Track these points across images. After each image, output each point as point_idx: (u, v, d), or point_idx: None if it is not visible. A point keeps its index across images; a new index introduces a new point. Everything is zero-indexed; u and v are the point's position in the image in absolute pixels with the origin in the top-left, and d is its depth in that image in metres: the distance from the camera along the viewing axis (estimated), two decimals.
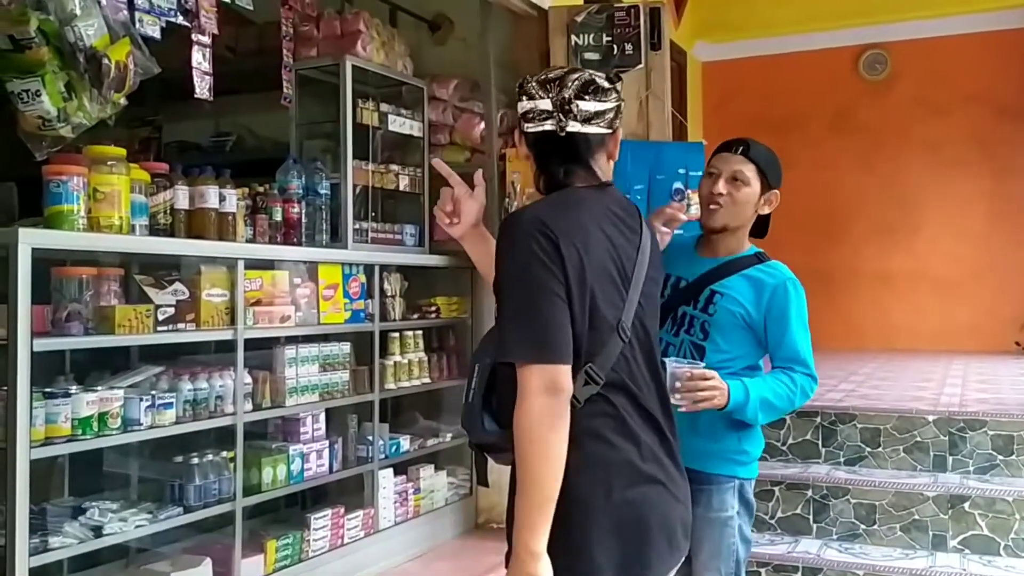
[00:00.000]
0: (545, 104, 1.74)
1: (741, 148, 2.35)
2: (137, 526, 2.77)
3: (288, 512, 3.73)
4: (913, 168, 7.56)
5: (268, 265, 3.41)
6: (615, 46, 4.18)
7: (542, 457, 1.53)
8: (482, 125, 4.30)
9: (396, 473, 3.98)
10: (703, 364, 2.19)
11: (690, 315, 2.35)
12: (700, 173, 4.15)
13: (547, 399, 1.54)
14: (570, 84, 1.73)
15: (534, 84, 1.76)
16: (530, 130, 1.78)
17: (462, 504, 4.41)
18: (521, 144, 1.84)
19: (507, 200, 4.11)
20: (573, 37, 4.17)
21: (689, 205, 4.14)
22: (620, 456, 1.66)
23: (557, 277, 1.60)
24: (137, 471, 3.17)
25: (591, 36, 4.18)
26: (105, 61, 2.59)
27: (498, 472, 4.36)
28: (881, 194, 7.64)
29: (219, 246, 3.10)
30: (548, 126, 1.74)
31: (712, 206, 2.34)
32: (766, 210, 2.40)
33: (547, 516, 1.54)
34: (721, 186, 2.33)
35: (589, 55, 4.19)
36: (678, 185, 4.16)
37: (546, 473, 1.53)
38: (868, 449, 4.14)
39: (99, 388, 2.68)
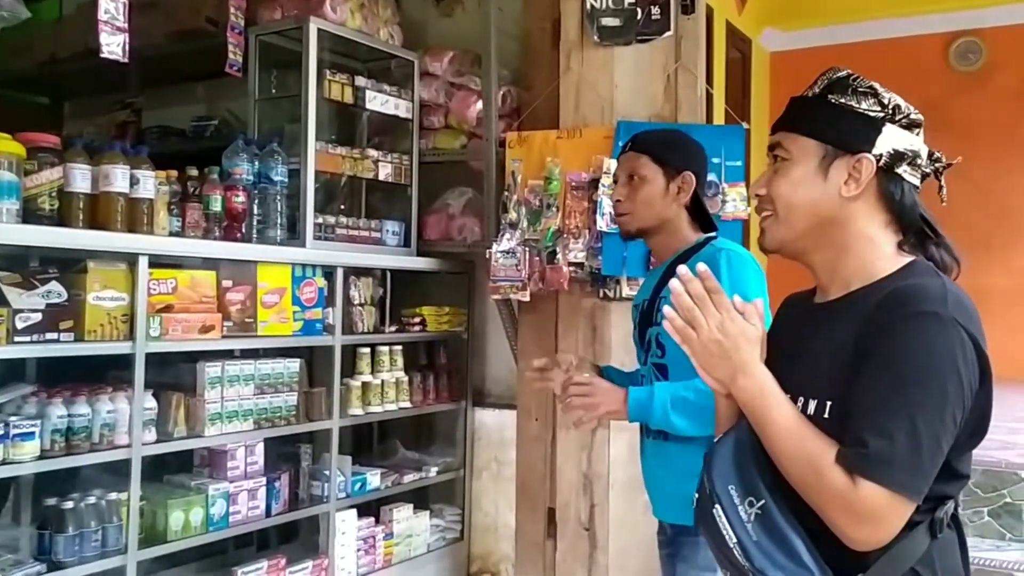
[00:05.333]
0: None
1: (630, 144, 2.13)
2: None
3: (212, 562, 3.10)
4: (1013, 172, 6.63)
5: (197, 264, 2.82)
6: (638, 10, 3.46)
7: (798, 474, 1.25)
8: (479, 104, 3.63)
9: (362, 515, 3.34)
10: None
11: (651, 335, 2.05)
12: (739, 163, 3.46)
13: (883, 532, 1.21)
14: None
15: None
16: (911, 179, 1.36)
17: (450, 551, 3.74)
18: (872, 197, 1.36)
19: (506, 194, 3.44)
20: (588, 0, 3.47)
21: (724, 202, 3.40)
22: None
23: (963, 405, 1.23)
24: None
25: None
26: None
27: (493, 514, 3.68)
28: (974, 202, 6.70)
29: (107, 237, 2.50)
30: (916, 178, 1.37)
31: (617, 215, 2.12)
32: (684, 197, 2.04)
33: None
34: (619, 190, 2.10)
35: (607, 20, 3.48)
36: (711, 177, 3.41)
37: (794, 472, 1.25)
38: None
39: None
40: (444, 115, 3.78)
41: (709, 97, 3.60)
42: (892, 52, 7.13)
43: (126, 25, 2.68)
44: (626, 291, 3.38)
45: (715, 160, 3.42)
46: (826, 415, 1.27)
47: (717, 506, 1.32)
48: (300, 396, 3.07)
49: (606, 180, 3.35)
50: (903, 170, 1.35)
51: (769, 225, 1.42)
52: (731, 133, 3.50)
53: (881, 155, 1.33)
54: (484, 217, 3.57)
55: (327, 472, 3.17)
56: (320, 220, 3.25)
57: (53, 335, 2.35)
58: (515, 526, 3.60)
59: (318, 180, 3.47)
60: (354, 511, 3.28)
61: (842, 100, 1.34)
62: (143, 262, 2.55)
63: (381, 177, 3.55)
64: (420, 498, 3.69)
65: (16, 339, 2.27)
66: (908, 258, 1.35)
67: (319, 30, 3.22)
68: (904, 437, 1.18)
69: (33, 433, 2.30)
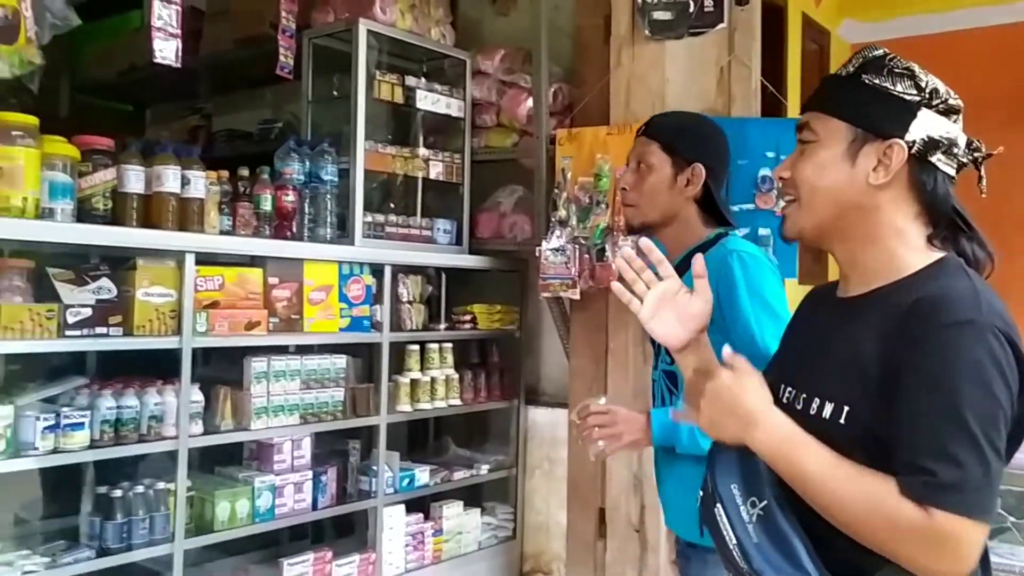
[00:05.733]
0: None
1: (643, 128, 2.01)
2: (26, 572, 2.29)
3: (262, 555, 3.17)
4: None
5: (245, 262, 2.90)
6: (691, 3, 3.39)
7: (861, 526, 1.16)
8: (529, 102, 3.62)
9: (411, 511, 3.37)
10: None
11: None
12: None
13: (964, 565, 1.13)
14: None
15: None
16: (945, 169, 1.28)
17: (502, 549, 3.74)
18: (902, 186, 1.28)
19: (556, 191, 3.42)
20: None
21: (778, 197, 3.31)
22: None
23: (1011, 407, 1.16)
24: (41, 507, 2.70)
25: None
26: None
27: (545, 513, 3.66)
28: None
29: (152, 235, 2.58)
30: (952, 168, 1.29)
31: (623, 204, 2.02)
32: (692, 190, 1.91)
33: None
34: (626, 177, 1.99)
35: (659, 14, 3.43)
36: (765, 172, 3.32)
37: (849, 513, 1.17)
38: (1012, 519, 3.14)
39: None
40: (496, 113, 3.78)
41: (765, 89, 3.49)
42: (982, 41, 6.78)
43: (179, 31, 2.76)
44: None
45: (769, 154, 3.34)
46: (842, 420, 1.21)
47: (718, 505, 1.29)
48: (347, 392, 3.12)
49: None
50: (937, 159, 1.26)
51: (791, 211, 1.35)
52: (786, 126, 3.39)
53: (914, 141, 1.25)
54: (534, 215, 3.55)
55: (375, 468, 3.21)
56: (369, 219, 3.29)
57: (103, 329, 2.44)
58: (566, 526, 3.58)
59: (374, 180, 3.53)
60: (402, 507, 3.31)
61: (876, 81, 1.27)
62: (190, 260, 2.62)
63: (432, 176, 3.57)
64: (473, 496, 3.70)
65: (67, 333, 2.36)
66: (937, 254, 1.26)
67: (368, 31, 3.26)
68: (972, 460, 1.11)
69: (83, 423, 2.39)
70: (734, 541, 1.26)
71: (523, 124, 3.69)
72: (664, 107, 3.38)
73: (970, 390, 1.12)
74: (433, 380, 3.44)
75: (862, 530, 1.16)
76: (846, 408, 1.21)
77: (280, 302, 2.91)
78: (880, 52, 1.29)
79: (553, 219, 3.38)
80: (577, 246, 3.34)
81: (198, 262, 2.66)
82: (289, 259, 2.97)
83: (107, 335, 2.46)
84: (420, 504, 3.47)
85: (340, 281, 3.09)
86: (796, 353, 1.39)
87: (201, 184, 2.81)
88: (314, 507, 3.02)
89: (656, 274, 1.42)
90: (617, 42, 3.46)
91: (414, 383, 3.38)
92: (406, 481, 3.34)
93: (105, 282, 2.49)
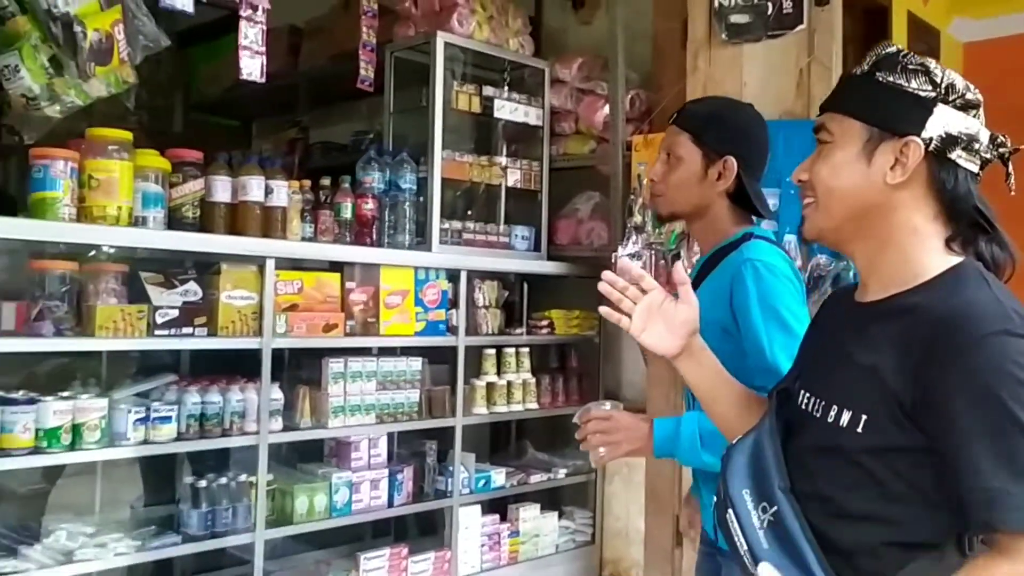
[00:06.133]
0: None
1: (675, 117, 1.96)
2: (118, 554, 2.46)
3: (344, 549, 3.29)
4: None
5: (325, 267, 3.03)
6: (769, 5, 3.35)
7: None
8: (606, 109, 3.65)
9: (488, 512, 3.44)
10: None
11: None
12: None
13: None
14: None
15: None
16: (967, 165, 1.25)
17: (580, 553, 3.76)
18: (920, 185, 1.26)
19: (631, 197, 3.43)
20: None
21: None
22: None
23: None
24: (130, 494, 2.89)
25: None
26: (78, 29, 2.31)
27: (624, 519, 3.67)
28: None
29: (234, 241, 2.74)
30: (975, 164, 1.26)
31: (651, 195, 1.97)
32: (723, 184, 1.83)
33: None
34: (656, 168, 1.91)
35: (736, 18, 3.39)
36: None
37: None
38: None
39: (79, 396, 2.41)
40: (574, 121, 3.82)
41: None
42: None
43: (263, 49, 2.91)
44: None
45: None
46: (859, 430, 1.19)
47: (730, 510, 1.29)
48: (422, 394, 3.21)
49: None
50: (957, 155, 1.23)
51: (809, 213, 1.33)
52: None
53: (931, 139, 1.22)
54: (611, 221, 3.57)
55: (451, 468, 3.29)
56: (446, 225, 3.39)
57: (188, 330, 2.61)
58: (644, 532, 3.57)
59: (457, 188, 3.63)
60: (477, 507, 3.38)
61: (890, 78, 1.25)
62: (270, 264, 2.77)
63: (510, 183, 3.64)
64: (551, 499, 3.74)
65: (156, 333, 2.53)
66: (954, 259, 1.23)
67: (446, 43, 3.37)
68: None
69: (171, 417, 2.56)
70: (745, 547, 1.26)
71: (600, 131, 3.72)
72: None
73: (1019, 398, 1.09)
74: (510, 384, 3.50)
75: None
76: (864, 417, 1.19)
77: (357, 306, 3.03)
78: (893, 49, 1.28)
79: (629, 225, 3.40)
80: (653, 252, 3.35)
81: (279, 267, 2.80)
82: (366, 264, 3.08)
83: (192, 335, 2.62)
84: (498, 506, 3.53)
85: (416, 286, 3.19)
86: (814, 359, 1.37)
87: (284, 193, 2.95)
88: (390, 504, 3.12)
89: (642, 289, 1.44)
90: (694, 46, 3.45)
91: (490, 386, 3.44)
92: (482, 482, 3.40)
93: (192, 285, 2.66)
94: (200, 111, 5.95)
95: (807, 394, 1.30)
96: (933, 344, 1.14)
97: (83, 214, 2.45)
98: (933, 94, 1.23)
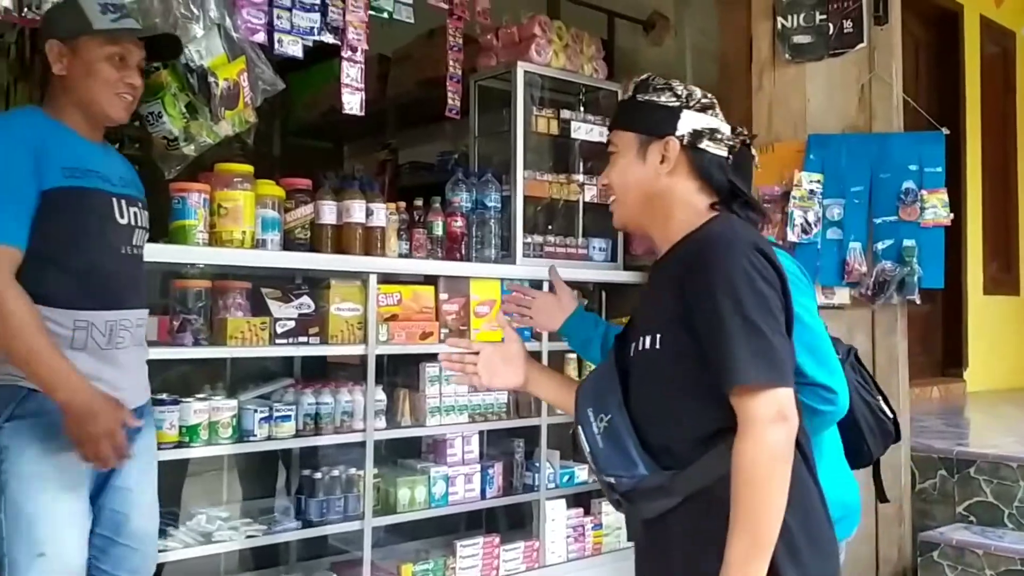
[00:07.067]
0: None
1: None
2: (248, 536, 2.81)
3: (442, 540, 3.59)
4: None
5: (419, 280, 3.34)
6: (830, 25, 3.55)
7: (778, 497, 1.42)
8: None
9: (572, 505, 3.69)
10: None
11: None
12: (939, 169, 3.44)
13: (783, 428, 1.44)
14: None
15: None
16: (715, 151, 1.65)
17: None
18: (684, 169, 1.65)
19: None
20: (780, 19, 3.62)
21: (923, 209, 3.40)
22: (815, 496, 1.57)
23: (779, 299, 1.52)
24: (257, 484, 3.23)
25: (801, 16, 3.59)
26: (212, 79, 2.67)
27: None
28: None
29: (341, 259, 3.06)
30: (722, 149, 1.67)
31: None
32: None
33: (767, 563, 1.43)
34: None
35: (799, 38, 3.61)
36: (908, 184, 3.42)
37: (777, 515, 1.42)
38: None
39: (213, 397, 2.76)
40: None
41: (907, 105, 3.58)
42: None
43: (362, 86, 3.26)
44: (820, 299, 3.46)
45: (912, 167, 3.44)
46: (658, 346, 1.55)
47: (580, 427, 1.64)
48: (510, 395, 3.49)
49: (797, 193, 3.48)
50: (706, 145, 1.62)
51: (615, 208, 1.73)
52: (929, 140, 3.48)
53: (684, 135, 1.61)
54: None
55: (537, 464, 3.56)
56: (529, 239, 3.67)
57: (303, 339, 2.94)
58: None
59: (539, 204, 3.91)
60: (563, 501, 3.63)
61: (646, 97, 1.64)
62: (373, 279, 3.08)
63: (587, 199, 3.90)
64: None
65: (276, 341, 2.87)
66: (714, 213, 1.62)
67: (525, 72, 3.65)
68: (757, 339, 1.45)
69: (290, 416, 2.89)
70: (588, 451, 1.62)
71: None
72: (805, 126, 3.56)
73: (740, 290, 1.45)
74: None
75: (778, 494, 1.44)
76: (659, 336, 1.55)
77: (449, 315, 3.33)
78: (645, 76, 1.67)
79: None
80: None
81: (380, 281, 3.12)
82: (457, 277, 3.38)
83: (307, 343, 2.95)
84: (582, 500, 3.78)
85: (502, 296, 3.47)
86: (634, 312, 1.75)
87: (383, 214, 3.27)
88: (482, 496, 3.41)
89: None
90: (758, 66, 3.67)
91: None
92: (566, 478, 3.66)
93: (305, 299, 2.99)
94: (296, 135, 6.37)
95: (631, 339, 1.66)
96: (690, 262, 1.52)
97: (214, 238, 2.81)
98: (678, 103, 1.63)
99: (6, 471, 1.99)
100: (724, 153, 1.64)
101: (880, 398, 2.36)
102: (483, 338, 3.39)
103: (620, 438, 1.55)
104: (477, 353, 1.89)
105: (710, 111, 1.65)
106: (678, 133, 1.61)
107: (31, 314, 1.95)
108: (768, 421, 1.42)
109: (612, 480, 1.57)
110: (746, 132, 1.71)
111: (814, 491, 1.55)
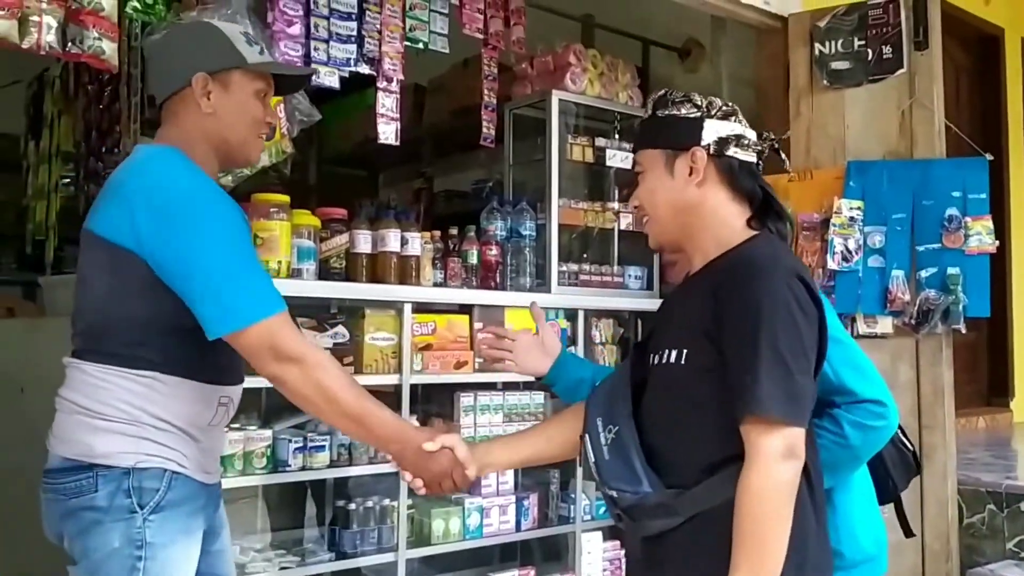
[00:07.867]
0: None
1: None
2: (282, 567, 2.79)
3: (476, 572, 3.54)
4: None
5: (454, 309, 3.33)
6: (869, 51, 3.51)
7: (782, 530, 1.42)
8: None
9: (608, 538, 3.63)
10: None
11: None
12: (983, 195, 3.36)
13: (792, 465, 1.43)
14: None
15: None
16: (744, 157, 1.64)
17: None
18: (714, 179, 1.64)
19: None
20: (817, 46, 3.58)
21: (967, 236, 3.33)
22: (817, 533, 1.55)
23: (814, 334, 1.51)
24: (290, 515, 3.21)
25: (839, 42, 3.55)
26: None
27: None
28: None
29: (376, 288, 3.06)
30: (751, 156, 1.66)
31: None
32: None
33: None
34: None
35: (837, 64, 3.57)
36: (952, 211, 3.36)
37: (781, 551, 1.41)
38: None
39: (247, 427, 2.76)
40: None
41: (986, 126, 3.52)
42: None
43: (398, 116, 3.27)
44: (862, 328, 3.40)
45: (955, 193, 3.37)
46: (682, 361, 1.54)
47: (586, 435, 1.61)
48: None
49: (837, 220, 3.43)
50: (733, 152, 1.59)
51: (649, 227, 1.72)
52: (973, 166, 3.41)
53: (709, 144, 1.59)
54: None
55: (573, 495, 3.51)
56: (564, 268, 3.64)
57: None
58: None
59: (572, 232, 3.89)
60: (599, 533, 3.57)
61: (667, 112, 1.63)
62: (407, 308, 3.08)
63: (623, 227, 3.87)
64: None
65: None
66: (752, 233, 1.59)
67: (559, 100, 3.65)
68: (778, 374, 1.43)
69: (324, 446, 2.88)
70: (593, 460, 1.59)
71: None
72: (844, 152, 3.51)
73: (776, 321, 1.43)
74: None
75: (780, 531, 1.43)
76: (685, 351, 1.54)
77: (486, 344, 3.29)
78: (662, 91, 1.65)
79: None
80: None
81: (414, 310, 3.11)
82: (492, 306, 3.37)
83: None
84: (619, 533, 3.72)
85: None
86: (657, 323, 1.73)
87: (417, 243, 3.27)
88: (517, 528, 3.36)
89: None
90: (796, 93, 3.63)
91: None
92: (602, 509, 3.60)
93: (340, 328, 2.99)
94: (331, 164, 6.43)
95: (652, 349, 1.64)
96: (728, 280, 1.50)
97: None
98: (699, 113, 1.61)
99: (147, 570, 1.68)
100: (753, 159, 1.63)
101: (899, 430, 2.30)
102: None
103: (626, 452, 1.54)
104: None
105: (733, 118, 1.63)
106: (703, 142, 1.59)
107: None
108: (778, 456, 1.41)
109: (614, 494, 1.55)
110: (773, 136, 1.70)
111: (814, 524, 1.52)
